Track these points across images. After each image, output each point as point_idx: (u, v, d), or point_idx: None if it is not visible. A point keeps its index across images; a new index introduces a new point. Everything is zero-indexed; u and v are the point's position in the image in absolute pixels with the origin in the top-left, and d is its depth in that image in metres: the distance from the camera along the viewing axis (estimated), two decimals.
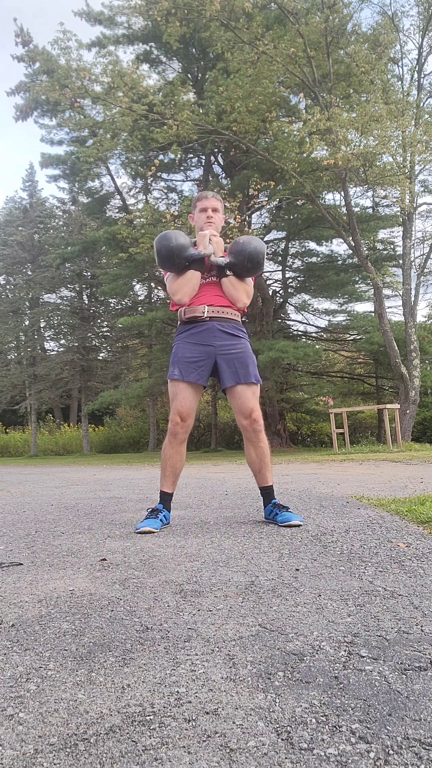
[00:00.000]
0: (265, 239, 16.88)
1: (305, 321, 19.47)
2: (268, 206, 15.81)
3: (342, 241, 13.87)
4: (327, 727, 0.83)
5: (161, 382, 15.13)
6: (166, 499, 2.72)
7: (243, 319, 2.88)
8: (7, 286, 24.08)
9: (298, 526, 2.49)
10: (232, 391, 2.71)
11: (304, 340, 18.33)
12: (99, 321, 23.01)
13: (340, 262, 17.37)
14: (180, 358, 2.71)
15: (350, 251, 14.43)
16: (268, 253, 18.50)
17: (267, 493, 2.73)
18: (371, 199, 17.15)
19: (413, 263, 13.70)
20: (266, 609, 1.37)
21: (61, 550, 2.20)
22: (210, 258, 2.72)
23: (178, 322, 2.82)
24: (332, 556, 1.91)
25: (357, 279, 16.87)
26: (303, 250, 18.37)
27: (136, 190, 20.12)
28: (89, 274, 21.35)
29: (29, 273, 22.60)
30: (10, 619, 1.37)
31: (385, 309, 12.95)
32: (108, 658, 1.11)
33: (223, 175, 17.68)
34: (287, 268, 18.60)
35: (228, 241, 2.93)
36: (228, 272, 2.73)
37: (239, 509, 3.22)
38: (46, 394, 21.80)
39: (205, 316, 2.69)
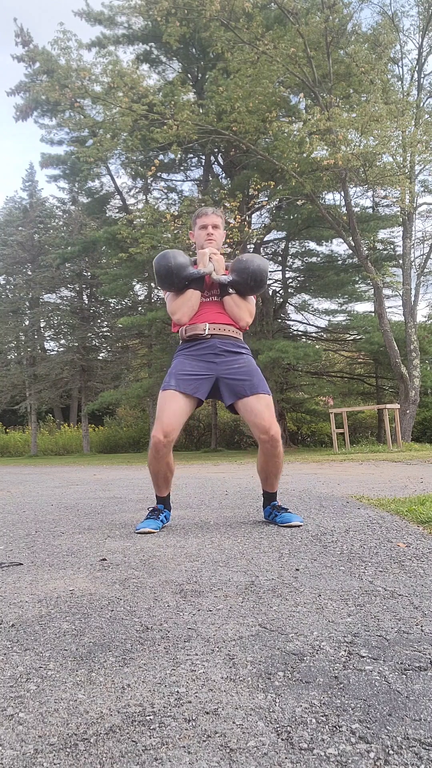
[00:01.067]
0: (265, 239, 16.89)
1: (305, 321, 19.47)
2: (268, 206, 15.82)
3: (342, 241, 13.87)
4: (327, 727, 0.83)
5: (161, 382, 15.09)
6: (164, 500, 2.71)
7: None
8: (7, 286, 24.06)
9: (298, 526, 2.49)
10: (243, 405, 2.59)
11: (304, 340, 18.33)
12: (99, 321, 23.00)
13: (340, 262, 17.36)
14: (178, 371, 2.63)
15: (350, 251, 14.43)
16: (268, 253, 18.52)
17: (268, 496, 2.72)
18: (371, 199, 17.16)
19: (413, 263, 13.71)
20: (266, 609, 1.37)
21: (61, 550, 2.20)
22: (211, 276, 2.68)
23: (180, 341, 2.77)
24: (332, 556, 1.91)
25: (357, 279, 16.86)
26: (303, 250, 18.36)
27: (136, 190, 20.13)
28: (89, 274, 21.35)
29: (29, 273, 22.59)
30: (10, 619, 1.37)
31: (385, 309, 12.95)
32: (108, 658, 1.11)
33: (223, 175, 17.67)
34: (287, 268, 18.59)
35: (228, 260, 2.90)
36: (230, 290, 2.69)
37: (239, 509, 3.21)
38: (46, 394, 21.79)
39: (206, 333, 2.64)
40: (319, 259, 18.02)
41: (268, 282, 18.04)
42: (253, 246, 16.04)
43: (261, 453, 2.62)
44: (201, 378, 2.62)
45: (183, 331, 2.72)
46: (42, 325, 23.26)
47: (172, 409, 2.56)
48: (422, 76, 13.26)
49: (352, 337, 18.37)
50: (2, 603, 1.51)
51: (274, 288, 18.73)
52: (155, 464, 2.61)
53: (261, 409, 2.56)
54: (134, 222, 14.09)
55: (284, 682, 0.98)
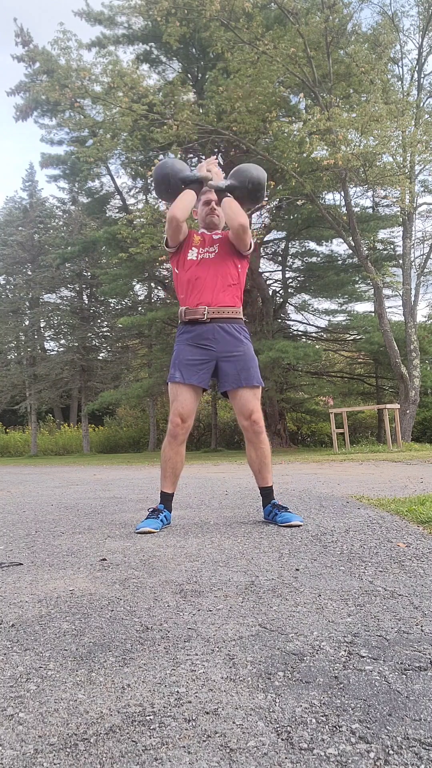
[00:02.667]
0: (265, 239, 16.89)
1: (305, 321, 19.48)
2: (268, 206, 15.81)
3: (342, 241, 13.87)
4: (327, 727, 0.83)
5: (161, 382, 15.13)
6: (166, 499, 2.72)
7: (244, 319, 2.86)
8: (7, 286, 24.07)
9: (298, 526, 2.49)
10: (234, 394, 2.69)
11: (304, 340, 18.32)
12: (99, 321, 23.01)
13: (340, 262, 17.36)
14: (181, 361, 2.68)
15: (350, 251, 14.43)
16: (268, 253, 18.53)
17: (266, 493, 2.73)
18: (371, 199, 17.16)
19: (413, 263, 13.70)
20: (266, 609, 1.37)
21: (61, 550, 2.20)
22: (209, 183, 2.71)
23: (179, 322, 2.79)
24: (332, 556, 1.91)
25: (357, 279, 16.87)
26: (303, 250, 18.36)
27: (136, 190, 20.13)
28: (89, 274, 21.35)
29: (29, 273, 22.59)
30: (10, 619, 1.37)
31: (385, 309, 12.95)
32: (108, 658, 1.11)
33: (223, 175, 17.65)
34: (287, 268, 18.60)
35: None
36: (228, 195, 2.71)
37: (239, 509, 3.21)
38: (46, 394, 21.79)
39: (206, 317, 2.67)
40: (319, 259, 18.02)
41: (268, 282, 18.09)
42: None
43: (247, 442, 2.74)
44: (202, 366, 2.67)
45: (182, 313, 2.73)
46: (42, 325, 23.26)
47: (185, 397, 2.67)
48: (422, 76, 13.27)
49: (352, 337, 18.37)
50: (2, 603, 1.51)
51: (274, 288, 18.74)
52: (169, 451, 2.68)
53: (249, 398, 2.68)
54: (134, 222, 14.09)
55: (284, 682, 0.98)
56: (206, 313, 2.66)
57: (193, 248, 2.76)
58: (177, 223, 2.68)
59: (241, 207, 2.69)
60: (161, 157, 14.42)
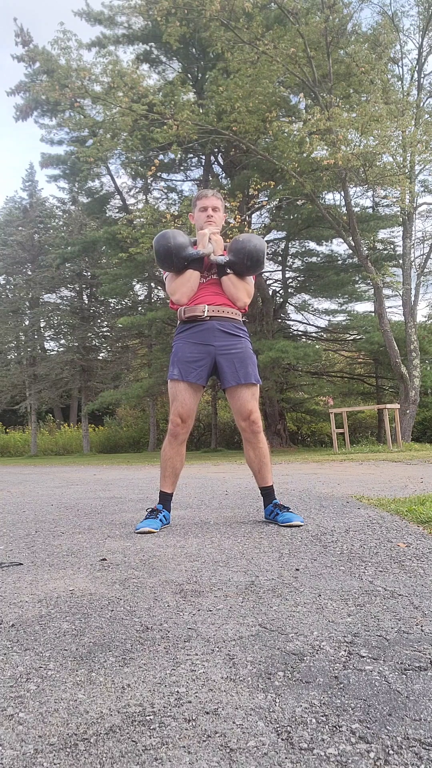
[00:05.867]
0: (265, 239, 16.88)
1: (305, 321, 19.49)
2: (268, 206, 15.82)
3: (342, 241, 13.87)
4: (327, 727, 0.83)
5: (161, 382, 15.13)
6: (166, 499, 2.72)
7: (243, 319, 2.86)
8: (7, 286, 24.07)
9: (299, 526, 2.49)
10: (232, 392, 2.70)
11: (304, 340, 18.33)
12: (99, 321, 23.01)
13: (340, 262, 17.37)
14: (180, 358, 2.69)
15: (350, 251, 14.43)
16: (268, 253, 18.49)
17: (267, 493, 2.73)
18: (371, 199, 17.17)
19: (413, 263, 13.70)
20: (266, 609, 1.37)
21: (61, 550, 2.20)
22: (209, 257, 2.71)
23: (178, 321, 2.80)
24: (332, 556, 1.91)
25: (357, 279, 16.87)
26: (303, 250, 18.36)
27: (136, 190, 20.14)
28: (89, 274, 21.36)
29: (29, 273, 22.60)
30: (10, 619, 1.37)
31: (385, 309, 12.95)
32: (108, 658, 1.11)
33: (223, 175, 17.68)
34: (287, 268, 18.60)
35: (227, 240, 2.91)
36: (228, 271, 2.71)
37: (239, 509, 3.21)
38: (46, 394, 21.79)
39: (205, 315, 2.67)
40: (319, 259, 18.02)
41: (268, 282, 18.09)
42: None
43: (245, 443, 2.74)
44: (201, 363, 2.67)
45: (182, 312, 2.73)
46: (42, 325, 23.26)
47: (185, 396, 2.67)
48: (422, 76, 13.26)
49: (352, 337, 18.38)
50: (2, 603, 1.51)
51: (274, 288, 18.74)
52: (169, 450, 2.68)
53: (247, 398, 2.68)
54: (134, 222, 14.10)
55: (284, 682, 0.98)
56: (206, 311, 2.67)
57: None
58: (181, 306, 2.73)
59: (242, 281, 2.73)
60: (161, 157, 14.42)
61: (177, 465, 2.72)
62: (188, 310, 2.70)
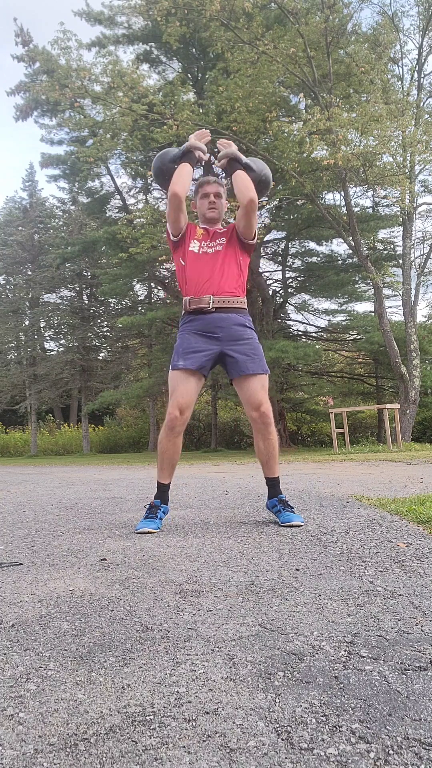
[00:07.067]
0: (265, 239, 16.89)
1: (305, 321, 19.48)
2: (268, 206, 15.81)
3: (342, 241, 13.86)
4: (327, 727, 0.83)
5: (161, 382, 15.12)
6: (163, 489, 2.71)
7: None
8: (7, 286, 24.08)
9: (299, 526, 2.49)
10: (241, 383, 2.67)
11: (304, 340, 18.33)
12: (99, 321, 23.01)
13: (340, 262, 17.36)
14: (185, 349, 2.66)
15: (350, 251, 14.43)
16: (268, 253, 18.54)
17: (272, 484, 2.72)
18: (371, 199, 17.17)
19: (413, 263, 13.70)
20: (266, 609, 1.37)
21: (61, 550, 2.20)
22: (226, 151, 2.77)
23: (183, 312, 2.76)
24: (332, 556, 1.91)
25: (357, 279, 16.87)
26: (303, 250, 18.36)
27: (136, 190, 20.13)
28: (89, 274, 21.36)
29: (29, 273, 22.60)
30: (10, 619, 1.37)
31: (385, 309, 12.94)
32: (108, 658, 1.11)
33: (223, 175, 17.63)
34: (287, 268, 18.60)
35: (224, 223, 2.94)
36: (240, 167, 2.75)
37: (239, 509, 3.21)
38: (46, 394, 21.79)
39: (211, 307, 2.65)
40: (319, 259, 18.02)
41: (268, 282, 18.09)
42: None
43: (256, 433, 2.73)
44: (205, 354, 2.65)
45: (187, 303, 2.70)
46: (42, 325, 23.27)
47: (185, 387, 2.64)
48: (422, 76, 13.25)
49: (352, 337, 18.38)
50: (2, 603, 1.51)
51: (274, 288, 18.74)
52: (166, 443, 2.66)
53: (257, 388, 2.65)
54: (134, 222, 14.09)
55: (284, 682, 0.98)
56: (211, 303, 2.65)
57: (195, 241, 2.75)
58: (179, 201, 2.68)
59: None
60: None
61: (174, 456, 2.70)
62: (193, 302, 2.67)
